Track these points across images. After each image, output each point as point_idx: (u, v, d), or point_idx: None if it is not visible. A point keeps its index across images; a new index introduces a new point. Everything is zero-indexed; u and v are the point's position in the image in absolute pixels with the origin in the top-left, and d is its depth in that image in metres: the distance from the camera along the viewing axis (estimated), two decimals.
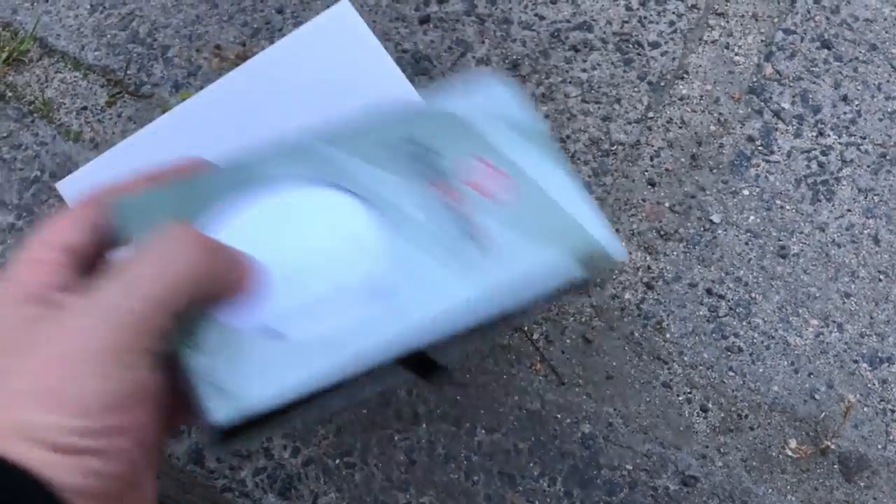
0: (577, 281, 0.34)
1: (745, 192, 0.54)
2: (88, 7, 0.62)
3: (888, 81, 0.57)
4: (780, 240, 0.52)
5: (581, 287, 0.39)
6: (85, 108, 0.58)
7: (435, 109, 0.38)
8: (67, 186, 0.48)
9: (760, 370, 0.49)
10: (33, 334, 0.24)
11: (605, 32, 0.59)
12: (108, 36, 0.61)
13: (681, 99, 0.57)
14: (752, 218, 0.53)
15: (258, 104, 0.50)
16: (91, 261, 0.28)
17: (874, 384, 0.48)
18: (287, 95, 0.51)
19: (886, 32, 0.58)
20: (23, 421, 0.22)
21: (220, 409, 0.30)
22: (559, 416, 0.48)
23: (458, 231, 0.35)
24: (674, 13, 0.60)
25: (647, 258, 0.52)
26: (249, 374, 0.32)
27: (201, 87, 0.51)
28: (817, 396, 0.48)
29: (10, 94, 0.59)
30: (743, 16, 0.60)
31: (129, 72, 0.59)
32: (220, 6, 0.61)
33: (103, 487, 0.23)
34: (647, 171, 0.55)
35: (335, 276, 0.35)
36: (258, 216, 0.36)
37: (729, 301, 0.51)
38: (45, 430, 0.22)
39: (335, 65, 0.51)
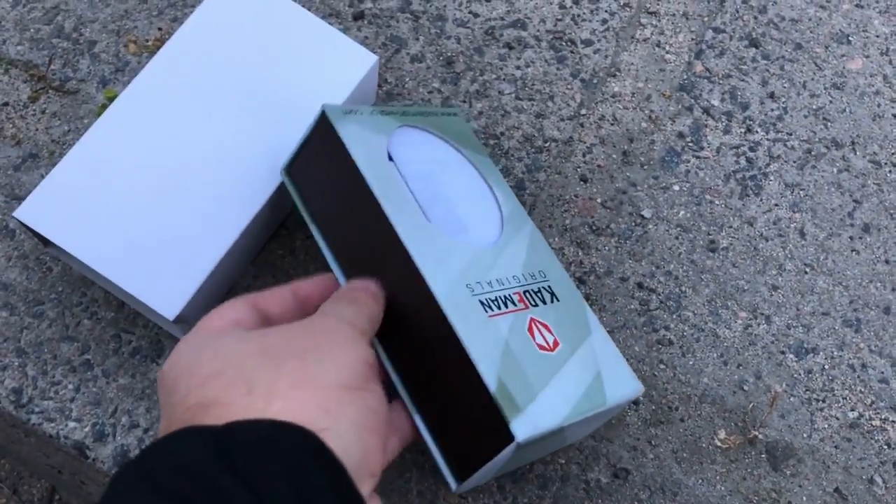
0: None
1: (676, 188, 0.54)
2: (10, 1, 0.60)
3: (813, 79, 0.58)
4: (709, 234, 0.53)
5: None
6: (6, 104, 0.57)
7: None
8: (26, 213, 0.46)
9: (690, 362, 0.49)
10: (303, 334, 0.34)
11: (538, 30, 0.60)
12: (32, 30, 0.59)
13: (613, 96, 0.57)
14: (682, 213, 0.53)
15: (191, 82, 0.50)
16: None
17: (800, 374, 0.49)
18: (218, 66, 0.50)
19: (811, 32, 0.60)
20: (329, 373, 0.32)
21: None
22: None
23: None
24: (606, 11, 0.60)
25: (580, 253, 0.52)
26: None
27: (129, 83, 0.50)
28: (746, 387, 0.49)
29: None
30: (674, 14, 0.61)
31: (52, 67, 0.58)
32: (150, 0, 0.60)
33: (375, 421, 0.32)
34: (579, 167, 0.55)
35: (472, 219, 0.45)
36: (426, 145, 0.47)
37: (659, 295, 0.51)
38: (344, 375, 0.32)
39: (252, 26, 0.51)
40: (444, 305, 0.40)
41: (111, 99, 0.54)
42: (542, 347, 0.42)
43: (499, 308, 0.42)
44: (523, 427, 0.39)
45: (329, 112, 0.44)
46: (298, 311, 0.39)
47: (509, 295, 0.43)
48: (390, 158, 0.45)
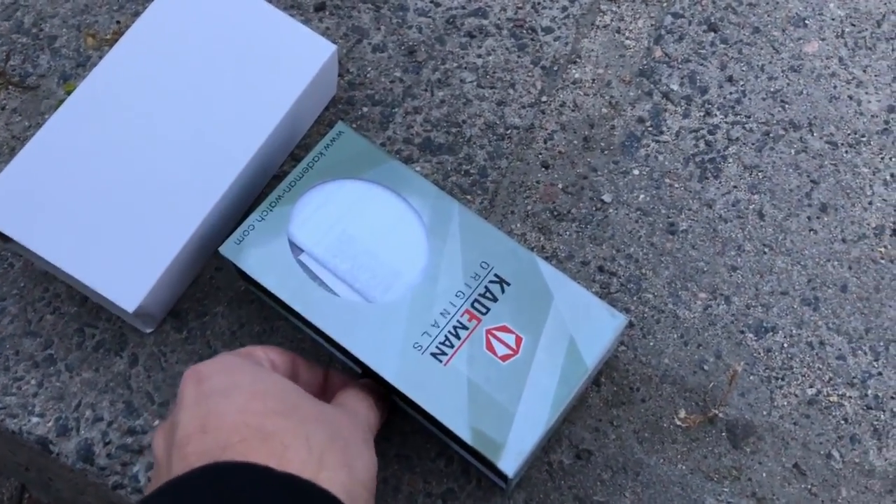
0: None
1: (636, 172, 0.55)
2: None
3: (770, 62, 0.59)
4: (669, 217, 0.53)
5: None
6: None
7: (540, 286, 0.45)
8: None
9: (651, 344, 0.50)
10: (335, 418, 0.36)
11: (499, 18, 0.60)
12: None
13: (573, 83, 0.58)
14: (641, 196, 0.54)
15: (148, 74, 0.50)
16: None
17: (759, 353, 0.50)
18: (176, 58, 0.50)
19: (768, 16, 0.60)
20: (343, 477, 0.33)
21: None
22: None
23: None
24: None
25: (542, 238, 0.53)
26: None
27: None
28: (706, 367, 0.49)
29: None
30: (633, 0, 0.61)
31: (12, 63, 0.57)
32: None
33: None
34: (541, 153, 0.55)
35: (397, 257, 0.45)
36: (346, 196, 0.47)
37: (620, 277, 0.52)
38: (366, 476, 0.35)
39: (209, 17, 0.51)
40: (400, 387, 0.42)
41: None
42: (505, 357, 0.43)
43: (452, 347, 0.43)
44: (509, 462, 0.41)
45: (226, 254, 0.45)
46: (319, 391, 0.42)
47: (459, 322, 0.43)
48: (300, 248, 0.46)
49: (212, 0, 0.52)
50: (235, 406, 0.33)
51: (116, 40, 0.58)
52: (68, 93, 0.56)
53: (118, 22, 0.59)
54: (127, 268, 0.46)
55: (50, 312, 0.50)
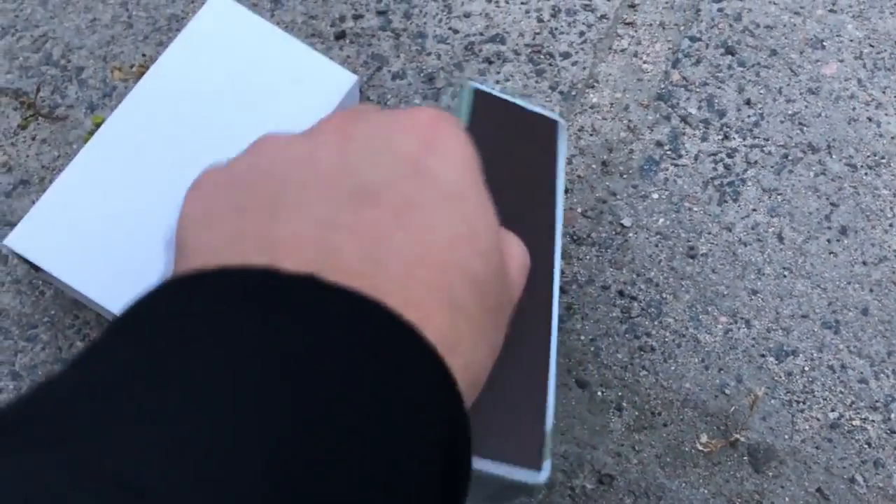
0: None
1: (655, 196, 0.55)
2: (0, 31, 0.61)
3: (788, 85, 0.59)
4: (688, 241, 0.54)
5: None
6: None
7: None
8: (15, 241, 0.47)
9: (672, 368, 0.50)
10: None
11: (517, 44, 0.61)
12: (21, 58, 0.60)
13: (592, 107, 0.58)
14: (661, 220, 0.54)
15: (174, 107, 0.51)
16: None
17: (780, 377, 0.50)
18: (201, 89, 0.51)
19: (785, 38, 0.61)
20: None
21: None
22: None
23: None
24: (584, 24, 0.61)
25: (561, 263, 0.53)
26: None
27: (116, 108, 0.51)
28: (727, 391, 0.50)
29: None
30: (651, 24, 0.62)
31: (41, 94, 0.59)
32: (136, 26, 0.61)
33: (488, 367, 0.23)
34: None
35: None
36: None
37: (641, 302, 0.52)
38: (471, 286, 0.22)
39: (233, 50, 0.53)
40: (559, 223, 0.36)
41: (99, 125, 0.55)
42: None
43: None
44: (546, 473, 0.30)
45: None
46: None
47: None
48: None
49: (235, 33, 0.53)
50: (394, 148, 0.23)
51: (142, 72, 0.59)
52: (97, 124, 0.57)
53: (144, 54, 0.60)
54: None
55: (80, 340, 0.51)
